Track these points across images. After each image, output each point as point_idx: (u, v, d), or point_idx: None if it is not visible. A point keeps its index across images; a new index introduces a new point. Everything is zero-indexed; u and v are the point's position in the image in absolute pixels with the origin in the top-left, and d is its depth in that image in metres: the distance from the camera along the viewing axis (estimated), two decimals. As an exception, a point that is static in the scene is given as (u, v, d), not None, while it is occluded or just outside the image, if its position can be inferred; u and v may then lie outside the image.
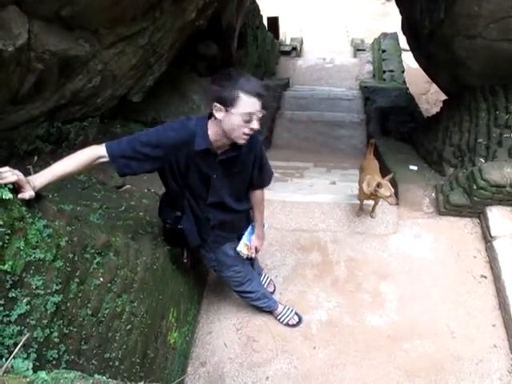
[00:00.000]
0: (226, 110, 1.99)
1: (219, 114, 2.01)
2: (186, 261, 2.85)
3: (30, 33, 2.63)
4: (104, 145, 2.06)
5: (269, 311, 3.34)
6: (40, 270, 1.67)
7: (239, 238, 2.75)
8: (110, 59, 3.54)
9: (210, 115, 2.11)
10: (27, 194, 1.62)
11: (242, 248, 2.72)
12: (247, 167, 2.40)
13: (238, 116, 1.99)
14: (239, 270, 2.88)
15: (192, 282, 3.30)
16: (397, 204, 3.68)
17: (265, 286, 3.45)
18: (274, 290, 3.56)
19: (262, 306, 3.25)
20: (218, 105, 1.99)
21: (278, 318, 3.32)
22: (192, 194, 2.38)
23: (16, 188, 1.57)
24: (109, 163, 2.09)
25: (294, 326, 3.30)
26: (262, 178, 2.55)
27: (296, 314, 3.34)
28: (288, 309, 3.34)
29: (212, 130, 2.12)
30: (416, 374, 2.99)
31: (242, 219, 2.77)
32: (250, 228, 2.78)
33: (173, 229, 2.54)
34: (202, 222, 2.52)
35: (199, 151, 2.14)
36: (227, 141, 2.15)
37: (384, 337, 3.22)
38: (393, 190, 3.59)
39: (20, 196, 1.60)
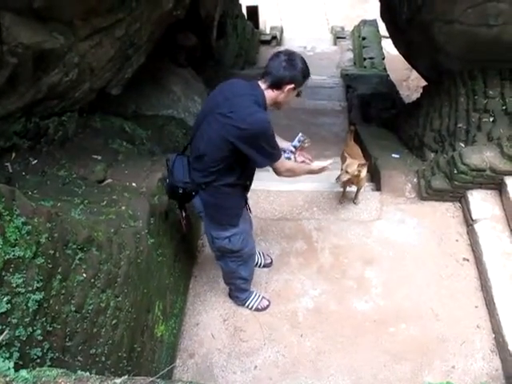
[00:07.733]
0: (294, 88, 2.33)
1: (285, 89, 2.32)
2: (184, 222, 2.88)
3: (2, 26, 2.55)
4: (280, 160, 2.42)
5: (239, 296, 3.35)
6: (20, 267, 1.64)
7: None
8: (86, 52, 3.46)
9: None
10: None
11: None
12: None
13: (295, 92, 2.37)
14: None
15: (177, 274, 3.29)
16: (339, 182, 3.87)
17: (262, 259, 3.62)
18: (272, 262, 3.68)
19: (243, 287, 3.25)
20: (291, 84, 2.31)
21: (247, 304, 3.34)
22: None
23: None
24: None
25: (263, 309, 3.34)
26: None
27: (263, 297, 3.38)
28: (255, 294, 3.36)
29: (267, 100, 2.36)
30: (402, 356, 3.04)
31: None
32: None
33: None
34: (243, 190, 2.69)
35: None
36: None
37: (370, 322, 3.26)
38: (350, 172, 3.64)
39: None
